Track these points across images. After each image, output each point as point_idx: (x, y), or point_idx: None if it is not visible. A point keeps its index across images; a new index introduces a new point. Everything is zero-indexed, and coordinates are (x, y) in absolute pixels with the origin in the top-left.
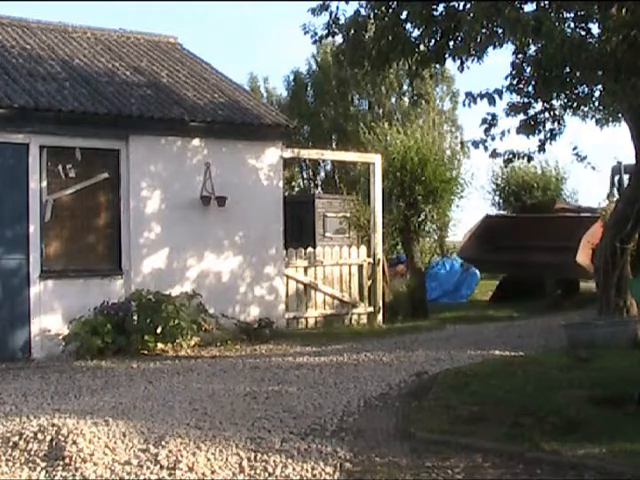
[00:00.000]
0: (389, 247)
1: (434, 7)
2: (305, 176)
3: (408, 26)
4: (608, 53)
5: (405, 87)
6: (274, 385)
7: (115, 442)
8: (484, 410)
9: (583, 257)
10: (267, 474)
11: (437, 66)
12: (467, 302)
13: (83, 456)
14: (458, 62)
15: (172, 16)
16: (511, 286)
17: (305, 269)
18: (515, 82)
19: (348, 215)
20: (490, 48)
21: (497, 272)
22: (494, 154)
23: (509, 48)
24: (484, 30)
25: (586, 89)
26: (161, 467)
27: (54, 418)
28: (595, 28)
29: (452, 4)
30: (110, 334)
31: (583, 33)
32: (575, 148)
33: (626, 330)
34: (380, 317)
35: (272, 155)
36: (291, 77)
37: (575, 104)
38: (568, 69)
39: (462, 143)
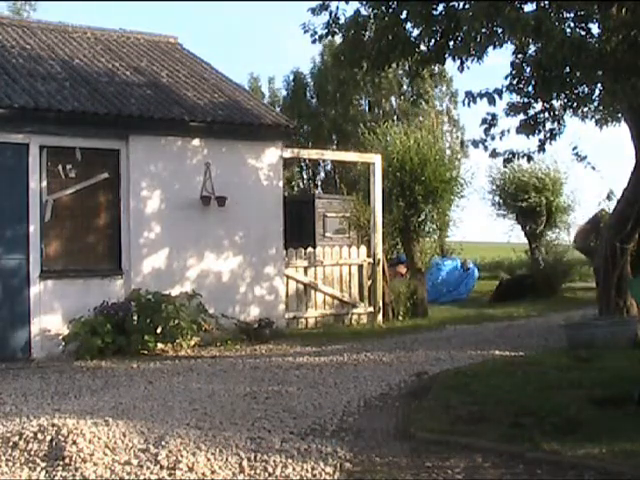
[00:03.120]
0: (389, 247)
1: (434, 7)
2: (305, 176)
3: (408, 26)
4: (608, 53)
5: (405, 87)
6: (274, 385)
7: (115, 442)
8: (484, 410)
9: None
10: (267, 474)
11: (437, 66)
12: (467, 299)
13: (83, 456)
14: (458, 62)
15: (172, 16)
16: (510, 286)
17: (305, 269)
18: (515, 82)
19: (348, 215)
20: (490, 48)
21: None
22: (494, 154)
23: (509, 48)
24: (484, 30)
25: (586, 89)
26: (161, 467)
27: (54, 418)
28: (595, 28)
29: (452, 4)
30: (110, 334)
31: (583, 33)
32: (575, 148)
33: (626, 330)
34: (380, 317)
35: (272, 155)
36: (291, 77)
37: (575, 104)
38: (568, 69)
39: (462, 143)
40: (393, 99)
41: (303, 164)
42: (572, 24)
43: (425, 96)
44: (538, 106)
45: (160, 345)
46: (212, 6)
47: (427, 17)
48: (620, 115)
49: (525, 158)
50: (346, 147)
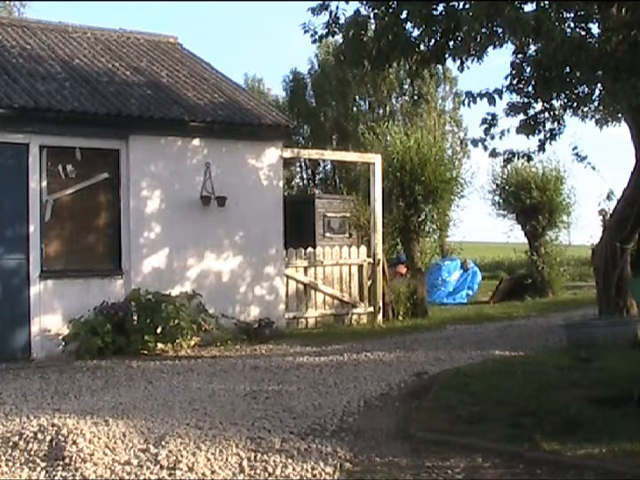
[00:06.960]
0: (389, 247)
1: (434, 7)
2: (305, 176)
3: (408, 26)
4: (608, 53)
5: (406, 87)
6: (274, 385)
7: (115, 442)
8: (484, 410)
9: None
10: (267, 474)
11: (438, 66)
12: (467, 302)
13: (83, 456)
14: (458, 62)
15: (172, 16)
16: (510, 286)
17: (305, 269)
18: (515, 82)
19: (348, 215)
20: (490, 48)
21: None
22: (494, 154)
23: (509, 48)
24: (484, 30)
25: (586, 89)
26: (161, 467)
27: (54, 418)
28: (595, 28)
29: (452, 4)
30: (110, 334)
31: (583, 33)
32: (575, 148)
33: (626, 330)
34: (380, 317)
35: (272, 155)
36: (290, 77)
37: (575, 104)
38: (568, 69)
39: (462, 141)
40: (394, 99)
41: (303, 164)
42: (572, 24)
43: (426, 96)
44: (538, 106)
45: (160, 345)
46: (212, 6)
47: (427, 17)
48: (620, 115)
49: (525, 158)
50: (346, 147)
